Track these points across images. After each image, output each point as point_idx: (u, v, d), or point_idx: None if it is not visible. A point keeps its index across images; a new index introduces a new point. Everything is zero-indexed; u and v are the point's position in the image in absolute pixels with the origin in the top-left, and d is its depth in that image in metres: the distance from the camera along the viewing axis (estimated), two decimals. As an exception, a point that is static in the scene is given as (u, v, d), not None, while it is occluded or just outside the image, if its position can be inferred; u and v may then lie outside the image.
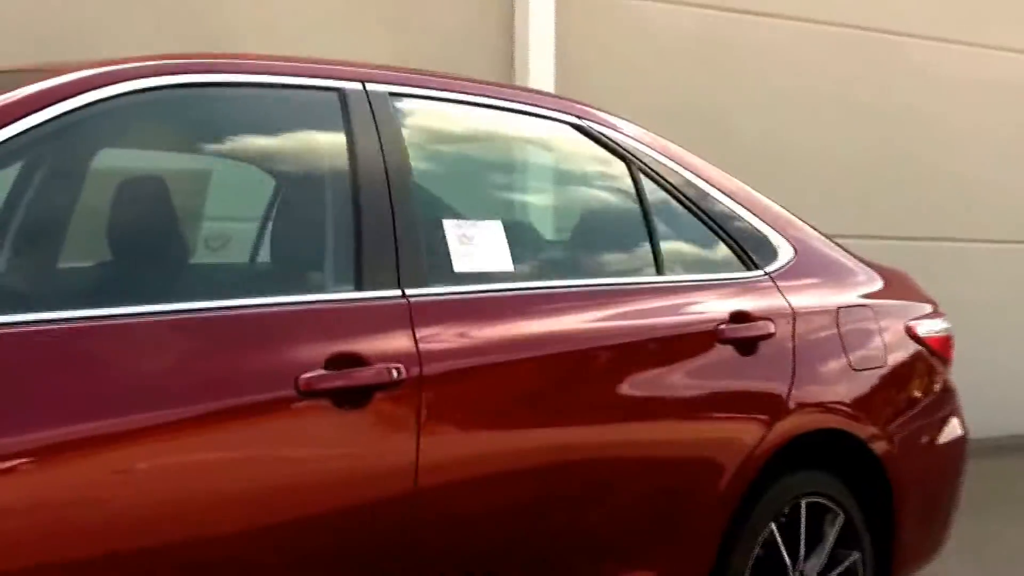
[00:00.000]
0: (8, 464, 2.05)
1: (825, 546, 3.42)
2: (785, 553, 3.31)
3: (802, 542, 3.36)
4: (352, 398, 2.44)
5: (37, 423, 2.09)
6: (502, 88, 3.13)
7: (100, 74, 2.38)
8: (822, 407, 3.38)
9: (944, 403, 3.83)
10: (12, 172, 2.35)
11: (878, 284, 3.76)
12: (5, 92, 2.31)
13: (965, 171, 7.77)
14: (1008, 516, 5.78)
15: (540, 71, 6.42)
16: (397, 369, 2.50)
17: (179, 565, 2.23)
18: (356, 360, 2.46)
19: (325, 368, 2.41)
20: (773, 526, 3.28)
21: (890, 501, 3.55)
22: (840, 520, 3.44)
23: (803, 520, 3.36)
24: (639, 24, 6.68)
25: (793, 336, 3.34)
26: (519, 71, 6.41)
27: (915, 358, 3.73)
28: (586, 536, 2.89)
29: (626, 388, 2.97)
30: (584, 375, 2.89)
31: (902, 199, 7.51)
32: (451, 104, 2.97)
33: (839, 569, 3.46)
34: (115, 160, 2.57)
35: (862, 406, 3.49)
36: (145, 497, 2.20)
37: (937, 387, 3.81)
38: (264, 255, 2.66)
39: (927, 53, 7.70)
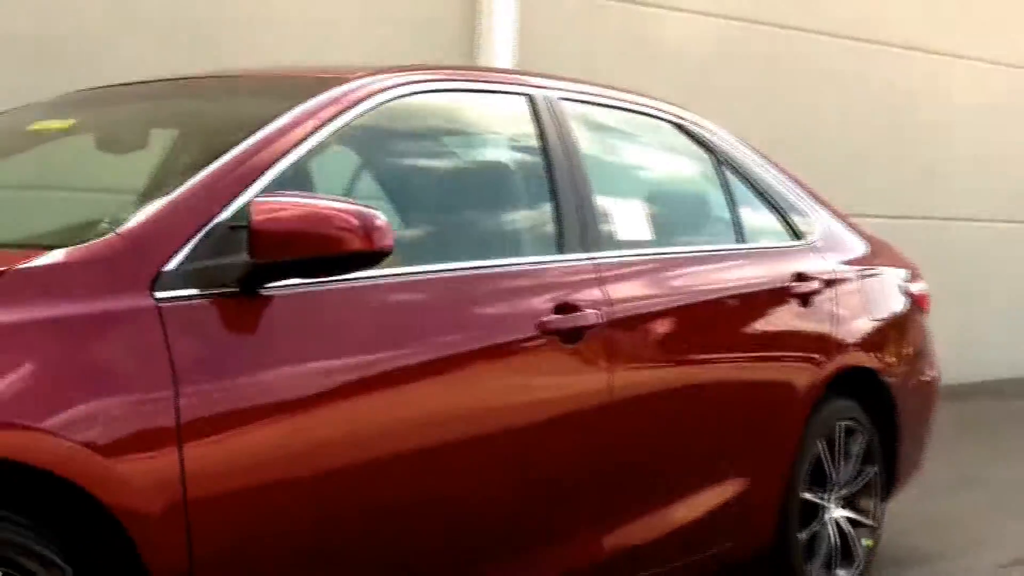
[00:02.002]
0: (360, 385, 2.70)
1: (853, 462, 4.26)
2: (829, 466, 4.15)
3: (839, 457, 4.20)
4: (572, 336, 3.15)
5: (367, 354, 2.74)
6: (625, 93, 3.87)
7: (384, 80, 3.05)
8: (855, 348, 4.22)
9: (926, 348, 4.73)
10: (333, 160, 2.96)
11: (879, 251, 4.63)
12: (292, 96, 2.95)
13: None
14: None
15: (502, 53, 7.08)
16: (597, 314, 3.22)
17: (466, 462, 2.91)
18: (572, 307, 3.17)
19: (554, 313, 3.12)
20: (822, 444, 4.10)
21: (895, 426, 4.43)
22: (864, 440, 4.29)
23: (839, 440, 4.19)
24: (600, 14, 7.44)
25: (834, 292, 4.17)
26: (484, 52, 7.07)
27: (909, 312, 4.62)
28: (714, 441, 3.68)
29: (734, 329, 3.78)
30: (707, 319, 3.68)
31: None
32: (594, 106, 3.71)
33: (861, 481, 4.31)
34: (394, 150, 3.20)
35: (879, 348, 4.35)
36: (435, 409, 2.85)
37: (922, 335, 4.71)
38: (494, 226, 3.34)
39: (828, 50, 8.68)
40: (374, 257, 2.57)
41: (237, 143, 2.72)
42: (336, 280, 2.67)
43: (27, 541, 2.19)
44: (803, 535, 4.04)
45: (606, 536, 3.30)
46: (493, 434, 2.95)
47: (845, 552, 4.21)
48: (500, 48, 7.09)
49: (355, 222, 2.52)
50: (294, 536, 2.56)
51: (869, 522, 4.32)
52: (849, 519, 4.24)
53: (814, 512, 4.11)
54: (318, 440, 2.58)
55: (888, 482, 4.47)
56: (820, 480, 4.13)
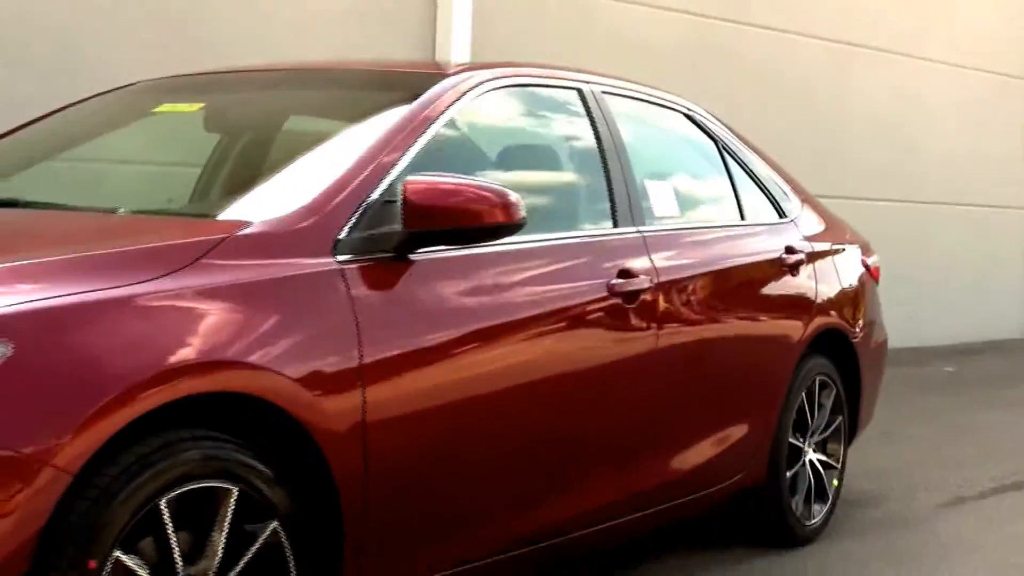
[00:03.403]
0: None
1: (826, 411, 4.89)
2: (809, 415, 4.76)
3: (816, 407, 4.81)
4: (631, 297, 3.69)
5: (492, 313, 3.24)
6: (645, 87, 4.41)
7: (479, 75, 3.55)
8: (829, 312, 4.84)
9: (878, 313, 5.39)
10: (448, 143, 3.42)
11: (839, 227, 5.27)
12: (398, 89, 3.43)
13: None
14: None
15: (459, 43, 7.54)
16: (649, 278, 3.77)
17: (553, 394, 3.44)
18: (631, 273, 3.71)
19: (618, 278, 3.65)
20: (803, 395, 4.71)
21: (858, 380, 5.07)
22: (834, 393, 4.91)
23: (816, 392, 4.81)
24: (553, 5, 7.96)
25: (813, 264, 4.79)
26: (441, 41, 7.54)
27: (866, 281, 5.27)
28: (730, 388, 4.26)
29: (745, 293, 4.39)
30: (726, 284, 4.27)
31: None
32: (626, 99, 4.24)
33: (831, 428, 4.93)
34: (489, 136, 3.68)
35: (847, 313, 4.99)
36: (540, 351, 3.38)
37: (876, 302, 5.36)
38: (568, 202, 3.85)
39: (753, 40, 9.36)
40: (511, 229, 3.06)
41: (377, 128, 3.18)
42: (462, 248, 3.15)
43: (253, 461, 2.63)
44: (789, 474, 4.65)
45: (655, 465, 3.87)
46: (579, 372, 3.51)
47: (819, 490, 4.84)
48: (458, 38, 7.55)
49: (496, 198, 3.01)
50: (441, 449, 3.07)
51: (836, 465, 4.95)
52: (821, 461, 4.86)
53: (796, 455, 4.72)
54: (457, 375, 3.09)
55: (851, 430, 5.11)
56: (801, 427, 4.74)
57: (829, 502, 4.89)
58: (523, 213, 3.05)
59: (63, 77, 5.58)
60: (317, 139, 3.42)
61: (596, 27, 8.35)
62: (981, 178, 11.57)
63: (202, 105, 3.69)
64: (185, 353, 2.49)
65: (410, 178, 3.00)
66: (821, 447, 4.89)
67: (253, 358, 2.61)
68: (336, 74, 3.85)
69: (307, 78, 3.82)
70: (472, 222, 2.99)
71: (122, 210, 3.00)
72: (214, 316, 2.59)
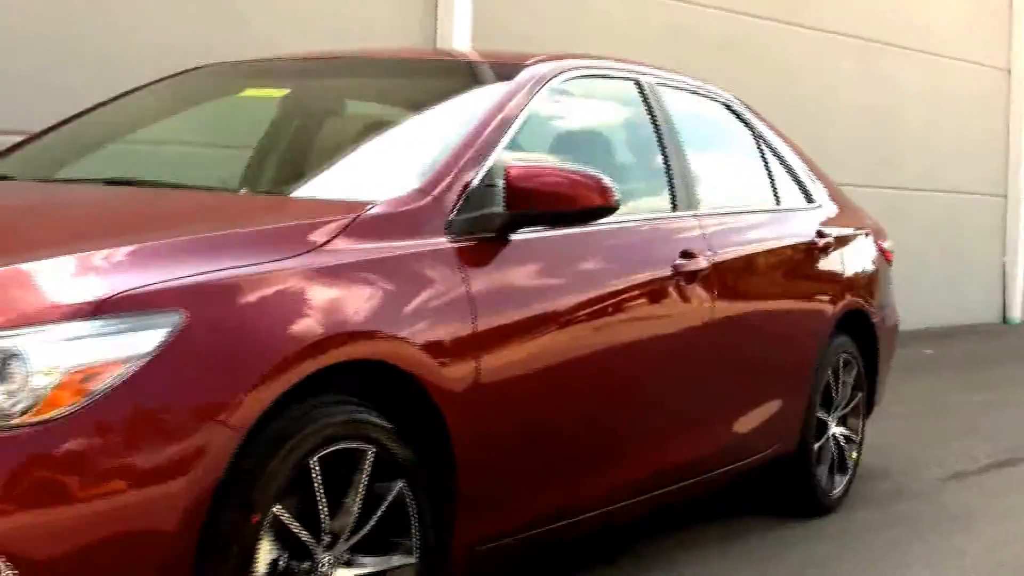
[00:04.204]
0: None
1: (848, 387, 5.15)
2: (834, 391, 5.03)
3: (841, 384, 5.08)
4: (691, 275, 3.93)
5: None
6: (689, 78, 4.65)
7: (557, 65, 3.78)
8: (854, 293, 5.10)
9: (891, 296, 5.66)
10: (531, 132, 3.62)
11: (857, 213, 5.54)
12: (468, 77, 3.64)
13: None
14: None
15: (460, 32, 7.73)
16: (706, 258, 4.01)
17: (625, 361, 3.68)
18: (691, 254, 3.95)
19: (680, 258, 3.89)
20: (830, 372, 4.98)
21: (875, 359, 5.35)
22: (856, 371, 5.18)
23: (840, 369, 5.08)
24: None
25: (840, 248, 5.05)
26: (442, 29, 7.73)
27: (881, 264, 5.54)
28: (770, 363, 4.52)
29: (784, 273, 4.66)
30: (768, 265, 4.53)
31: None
32: (675, 90, 4.47)
33: (852, 404, 5.20)
34: (564, 123, 3.90)
35: (868, 294, 5.26)
36: (620, 321, 3.63)
37: (889, 285, 5.64)
38: (631, 187, 4.06)
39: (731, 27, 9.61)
40: (606, 211, 3.28)
41: (473, 115, 3.39)
42: (553, 229, 3.37)
43: (386, 423, 2.83)
44: (816, 447, 4.91)
45: (715, 431, 4.15)
46: (653, 344, 3.77)
47: (840, 462, 5.11)
48: (459, 29, 7.71)
49: (593, 183, 3.23)
50: (539, 409, 3.31)
51: (856, 439, 5.22)
52: (843, 435, 5.13)
53: (822, 429, 4.98)
54: (553, 343, 3.33)
55: (867, 406, 5.39)
56: (826, 402, 5.00)
57: (849, 474, 5.16)
58: (618, 196, 3.26)
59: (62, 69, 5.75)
60: (414, 125, 3.63)
61: (590, 16, 8.57)
62: (960, 166, 11.92)
63: (288, 91, 3.88)
64: (336, 324, 2.70)
65: (512, 163, 3.21)
66: (843, 422, 5.16)
67: (390, 329, 2.83)
68: (422, 63, 4.05)
69: (393, 67, 4.01)
70: (570, 205, 3.21)
71: (243, 190, 3.19)
72: (355, 290, 2.79)
